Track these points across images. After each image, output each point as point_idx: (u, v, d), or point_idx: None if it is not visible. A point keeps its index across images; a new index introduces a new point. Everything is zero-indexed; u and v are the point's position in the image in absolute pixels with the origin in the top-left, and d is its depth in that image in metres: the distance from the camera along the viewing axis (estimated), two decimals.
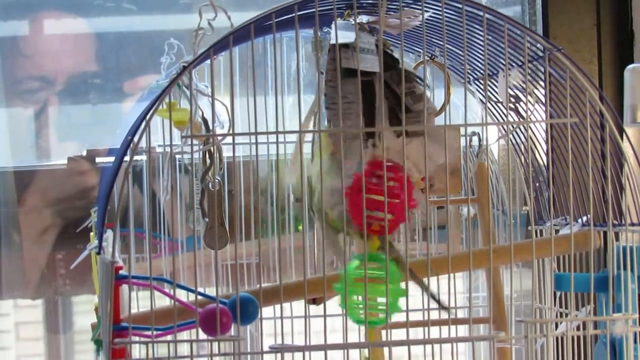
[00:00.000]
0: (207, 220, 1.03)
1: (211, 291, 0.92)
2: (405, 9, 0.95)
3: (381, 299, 0.91)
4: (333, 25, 0.92)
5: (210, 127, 1.00)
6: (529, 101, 0.97)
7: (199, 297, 0.88)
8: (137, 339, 0.88)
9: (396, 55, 0.98)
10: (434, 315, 0.99)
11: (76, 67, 1.62)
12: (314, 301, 1.01)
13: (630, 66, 1.20)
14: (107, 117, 1.63)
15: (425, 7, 0.93)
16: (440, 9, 0.93)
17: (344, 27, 0.94)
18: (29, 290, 1.58)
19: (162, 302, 0.92)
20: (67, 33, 1.64)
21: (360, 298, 0.92)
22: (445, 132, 0.93)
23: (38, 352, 1.64)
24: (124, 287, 0.88)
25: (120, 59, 1.63)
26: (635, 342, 0.95)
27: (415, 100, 0.94)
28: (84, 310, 1.62)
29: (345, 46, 0.93)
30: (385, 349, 0.91)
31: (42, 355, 1.64)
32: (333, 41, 0.91)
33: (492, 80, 1.06)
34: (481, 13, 0.93)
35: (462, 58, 1.03)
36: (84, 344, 1.60)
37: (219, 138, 0.96)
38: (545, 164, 1.08)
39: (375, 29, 0.97)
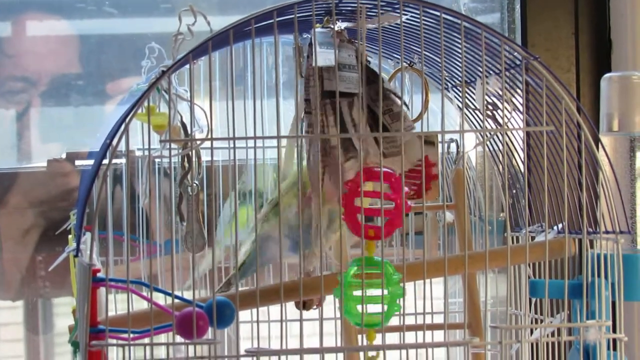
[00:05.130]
0: (184, 224, 1.04)
1: (189, 294, 0.92)
2: (384, 15, 0.95)
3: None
4: (312, 38, 0.92)
5: (189, 132, 1.00)
6: (506, 109, 0.98)
7: (176, 300, 0.88)
8: (114, 341, 0.88)
9: (374, 60, 0.98)
10: (410, 320, 0.99)
11: (58, 69, 1.62)
12: (304, 305, 1.02)
13: (607, 75, 1.20)
14: (89, 119, 1.63)
15: (404, 13, 0.94)
16: (418, 16, 0.93)
17: (323, 37, 0.94)
18: (10, 291, 1.58)
19: (140, 304, 0.92)
20: (49, 35, 1.64)
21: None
22: (422, 139, 0.93)
23: (18, 354, 1.64)
24: (102, 290, 0.88)
25: (102, 61, 1.63)
26: (608, 348, 0.96)
27: (393, 118, 0.94)
28: (64, 312, 1.62)
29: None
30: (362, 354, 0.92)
31: (22, 357, 1.63)
32: (313, 58, 0.91)
33: (470, 88, 1.07)
34: (459, 21, 0.93)
35: (440, 65, 1.04)
36: (64, 345, 1.60)
37: (198, 142, 0.97)
38: (522, 171, 1.09)
39: (354, 36, 0.97)
